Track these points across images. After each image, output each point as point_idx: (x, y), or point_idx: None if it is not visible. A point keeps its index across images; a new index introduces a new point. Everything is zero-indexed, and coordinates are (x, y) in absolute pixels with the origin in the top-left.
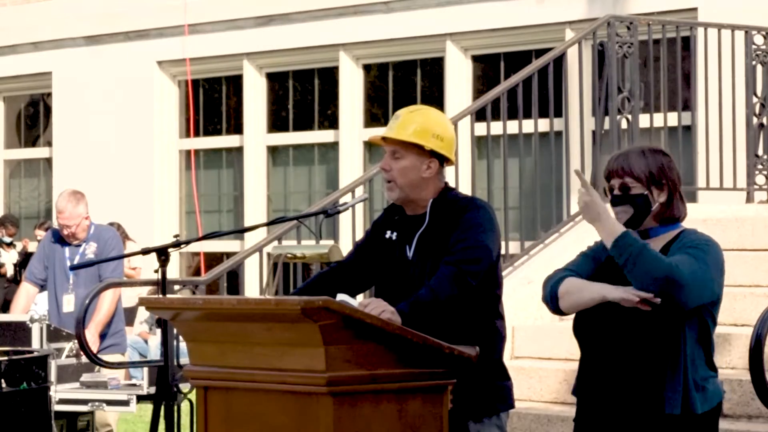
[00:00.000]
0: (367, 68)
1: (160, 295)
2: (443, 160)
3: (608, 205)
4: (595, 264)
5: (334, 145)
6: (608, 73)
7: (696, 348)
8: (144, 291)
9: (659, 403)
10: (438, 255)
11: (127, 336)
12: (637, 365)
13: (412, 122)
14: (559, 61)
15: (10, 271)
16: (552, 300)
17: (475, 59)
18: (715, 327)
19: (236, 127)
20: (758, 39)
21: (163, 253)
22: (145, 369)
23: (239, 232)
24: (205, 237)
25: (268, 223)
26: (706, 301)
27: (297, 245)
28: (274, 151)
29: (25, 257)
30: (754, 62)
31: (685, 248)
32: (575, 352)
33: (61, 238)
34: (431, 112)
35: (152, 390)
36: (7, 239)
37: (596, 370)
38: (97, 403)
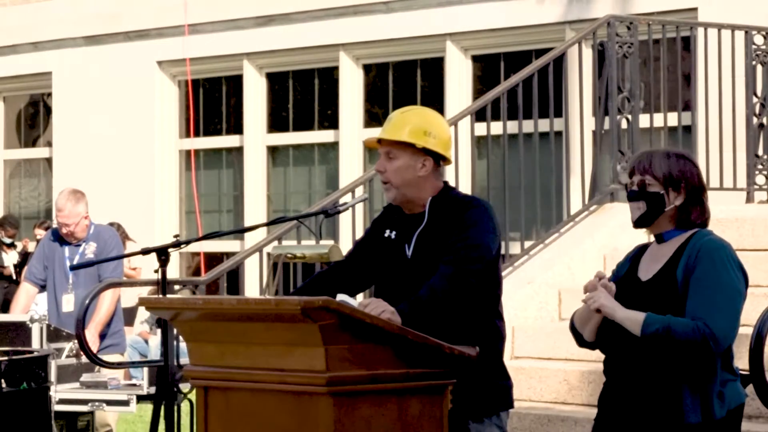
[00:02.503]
0: (367, 68)
1: (160, 295)
2: (439, 159)
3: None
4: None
5: (334, 145)
6: (608, 73)
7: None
8: (144, 291)
9: (679, 412)
10: (437, 254)
11: (127, 336)
12: (655, 376)
13: (404, 122)
14: (559, 61)
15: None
16: (579, 338)
17: (475, 59)
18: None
19: (236, 127)
20: (758, 39)
21: (163, 253)
22: (145, 369)
23: (239, 232)
24: (205, 237)
25: (268, 223)
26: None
27: (297, 245)
28: (274, 151)
29: (25, 257)
30: (754, 62)
31: (705, 270)
32: (575, 352)
33: (61, 238)
34: (424, 111)
35: (152, 390)
36: (7, 240)
37: (617, 381)
38: (97, 403)
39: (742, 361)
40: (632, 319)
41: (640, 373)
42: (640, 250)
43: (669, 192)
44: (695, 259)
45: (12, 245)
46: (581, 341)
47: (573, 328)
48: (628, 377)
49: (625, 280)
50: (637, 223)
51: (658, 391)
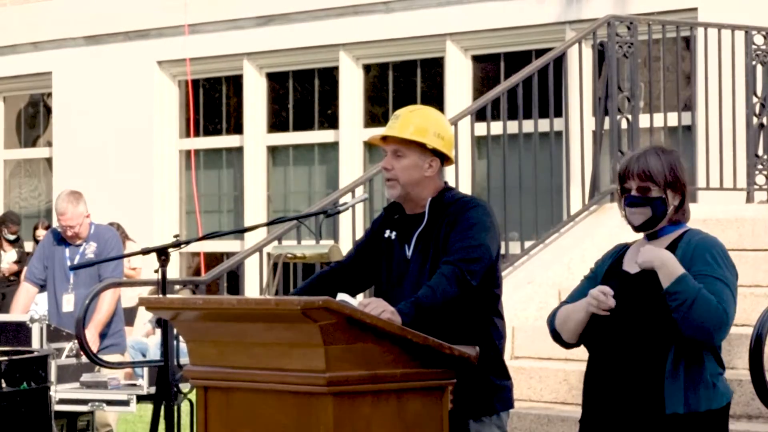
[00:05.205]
0: (367, 68)
1: (160, 295)
2: (443, 159)
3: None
4: (594, 283)
5: (334, 145)
6: (608, 73)
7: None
8: (144, 291)
9: (659, 402)
10: (437, 254)
11: (128, 336)
12: (638, 366)
13: (413, 121)
14: (559, 61)
15: (11, 269)
16: (557, 337)
17: (475, 59)
18: None
19: (236, 127)
20: (758, 39)
21: (163, 253)
22: (145, 369)
23: (239, 232)
24: (205, 237)
25: (268, 223)
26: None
27: (297, 245)
28: (274, 151)
29: (22, 257)
30: (754, 62)
31: (708, 265)
32: (575, 352)
33: (61, 238)
34: (431, 111)
35: (152, 390)
36: (11, 236)
37: (600, 373)
38: (97, 403)
39: (742, 361)
40: (671, 267)
41: (623, 367)
42: (623, 249)
43: (668, 194)
44: (692, 257)
45: (16, 241)
46: (560, 340)
47: (552, 327)
48: (612, 372)
49: (610, 274)
50: (641, 228)
51: (640, 382)
